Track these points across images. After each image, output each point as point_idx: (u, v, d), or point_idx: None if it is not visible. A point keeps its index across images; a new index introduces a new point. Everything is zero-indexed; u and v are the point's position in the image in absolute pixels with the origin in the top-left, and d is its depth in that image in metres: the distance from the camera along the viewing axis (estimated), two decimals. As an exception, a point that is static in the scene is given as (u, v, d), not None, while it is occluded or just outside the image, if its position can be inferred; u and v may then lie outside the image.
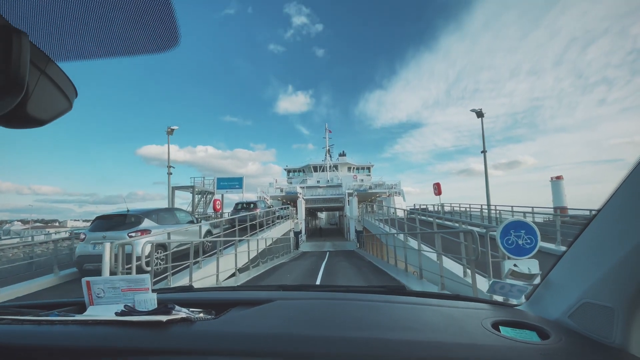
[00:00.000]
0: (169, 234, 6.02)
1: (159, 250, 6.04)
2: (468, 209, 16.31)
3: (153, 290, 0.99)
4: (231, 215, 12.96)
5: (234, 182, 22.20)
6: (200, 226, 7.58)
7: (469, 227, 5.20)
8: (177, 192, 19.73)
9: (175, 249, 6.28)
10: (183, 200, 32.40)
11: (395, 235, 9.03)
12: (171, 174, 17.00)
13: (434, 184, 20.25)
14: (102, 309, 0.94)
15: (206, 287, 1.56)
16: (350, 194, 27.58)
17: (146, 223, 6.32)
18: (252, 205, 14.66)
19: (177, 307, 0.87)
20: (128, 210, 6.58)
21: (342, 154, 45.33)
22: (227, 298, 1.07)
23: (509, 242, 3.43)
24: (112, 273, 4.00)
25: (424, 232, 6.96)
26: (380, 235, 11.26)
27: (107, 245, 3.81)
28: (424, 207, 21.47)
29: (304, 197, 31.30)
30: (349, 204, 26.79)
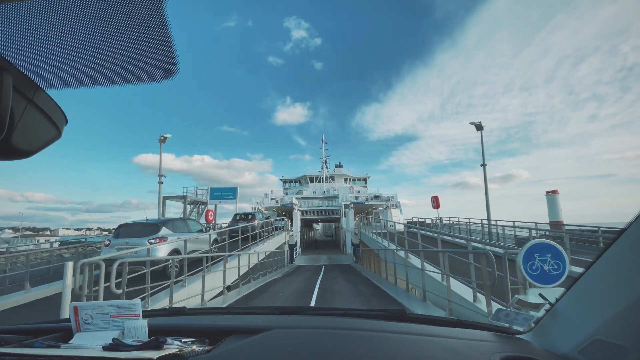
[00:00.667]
0: (148, 249, 5.50)
1: (172, 255, 6.61)
2: (467, 224, 15.91)
3: (144, 315, 0.94)
4: (229, 226, 12.81)
5: (228, 192, 21.60)
6: (209, 234, 8.17)
7: (481, 247, 4.77)
8: (169, 201, 19.10)
9: (187, 255, 6.62)
10: (177, 210, 31.61)
11: (395, 251, 8.56)
12: (162, 182, 16.43)
13: (432, 197, 19.90)
14: (90, 337, 0.88)
15: (199, 309, 1.47)
16: (346, 206, 27.21)
17: (163, 231, 6.99)
18: (250, 216, 14.72)
19: (168, 340, 0.81)
20: (147, 220, 7.45)
21: (339, 165, 45.19)
22: (222, 325, 0.99)
23: (533, 267, 3.00)
24: (77, 296, 3.47)
25: (427, 249, 6.49)
26: (379, 250, 10.77)
27: (69, 264, 3.30)
28: (422, 220, 21.02)
29: (300, 208, 30.78)
30: (345, 216, 26.35)
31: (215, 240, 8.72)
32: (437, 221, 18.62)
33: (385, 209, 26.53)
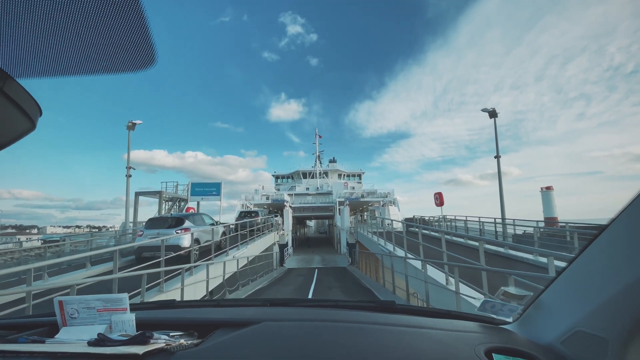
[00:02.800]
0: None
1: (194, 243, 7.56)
2: (472, 223, 14.29)
3: (133, 308, 0.93)
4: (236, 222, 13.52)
5: (211, 188, 19.56)
6: (223, 226, 9.83)
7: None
8: (147, 199, 17.08)
9: (203, 245, 8.02)
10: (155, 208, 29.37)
11: (406, 259, 6.82)
12: (130, 176, 14.34)
13: (435, 194, 18.34)
14: (76, 331, 0.86)
15: (189, 302, 1.38)
16: (341, 203, 25.69)
17: (187, 223, 8.08)
18: (253, 214, 16.55)
19: (155, 334, 0.79)
20: (171, 214, 9.88)
21: (333, 161, 43.67)
22: (211, 318, 0.98)
23: None
24: None
25: (471, 265, 4.67)
26: (382, 256, 9.05)
27: None
28: (426, 218, 19.43)
29: (292, 205, 29.07)
30: (340, 214, 24.79)
31: (224, 233, 9.72)
32: (441, 219, 17.04)
33: (382, 205, 24.94)
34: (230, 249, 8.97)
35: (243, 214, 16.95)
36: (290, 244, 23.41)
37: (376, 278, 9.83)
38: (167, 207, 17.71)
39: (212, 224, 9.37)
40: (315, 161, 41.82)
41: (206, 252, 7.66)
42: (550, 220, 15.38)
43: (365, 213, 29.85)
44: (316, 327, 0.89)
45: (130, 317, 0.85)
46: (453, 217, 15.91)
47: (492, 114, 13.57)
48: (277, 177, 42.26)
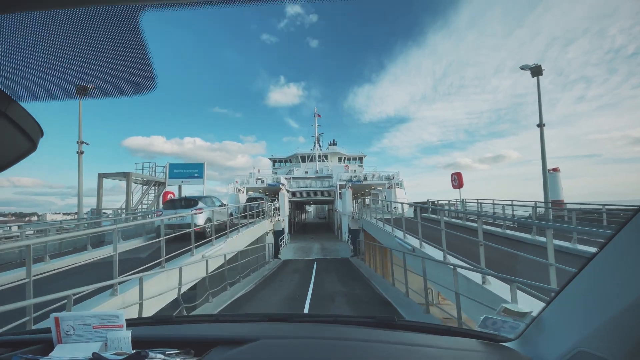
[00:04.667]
0: None
1: (207, 222, 8.69)
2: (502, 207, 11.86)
3: (129, 324, 0.90)
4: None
5: (192, 170, 16.99)
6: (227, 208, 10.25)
7: None
8: (109, 180, 14.56)
9: (214, 223, 8.63)
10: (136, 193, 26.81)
11: (456, 269, 4.39)
12: (83, 152, 11.78)
13: (453, 174, 15.87)
14: (71, 349, 0.84)
15: (186, 317, 1.41)
16: (342, 186, 23.43)
17: (200, 204, 9.17)
18: (258, 200, 17.10)
19: (151, 353, 0.77)
20: (186, 197, 11.71)
21: (333, 143, 41.12)
22: (209, 335, 0.97)
23: None
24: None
25: None
26: (405, 254, 6.65)
27: None
28: (437, 202, 17.02)
29: (289, 189, 26.84)
30: (341, 198, 22.54)
31: (231, 214, 10.32)
32: (460, 204, 14.63)
33: (388, 188, 22.60)
34: (205, 243, 7.63)
35: (250, 200, 17.93)
36: (287, 230, 21.21)
37: (393, 282, 7.50)
38: (140, 192, 15.22)
39: (221, 205, 10.28)
40: (315, 143, 39.24)
41: (216, 230, 8.28)
42: (556, 203, 14.02)
43: (368, 197, 27.53)
44: (314, 344, 0.87)
45: (126, 335, 0.85)
46: (476, 201, 13.46)
47: (536, 71, 10.91)
48: (274, 161, 39.85)
